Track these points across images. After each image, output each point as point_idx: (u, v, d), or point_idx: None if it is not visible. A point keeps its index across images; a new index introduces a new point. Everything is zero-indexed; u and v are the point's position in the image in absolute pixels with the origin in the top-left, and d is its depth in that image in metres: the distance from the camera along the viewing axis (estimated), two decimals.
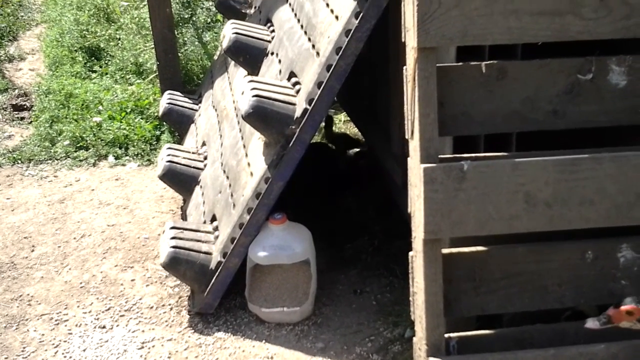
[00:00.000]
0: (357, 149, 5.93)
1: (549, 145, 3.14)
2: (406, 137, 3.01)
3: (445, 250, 3.06)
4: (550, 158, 2.94)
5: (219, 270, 3.96)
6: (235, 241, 3.94)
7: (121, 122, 6.44)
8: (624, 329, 2.74)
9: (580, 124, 3.12)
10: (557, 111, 3.07)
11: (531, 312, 3.40)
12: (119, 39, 7.88)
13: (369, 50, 4.74)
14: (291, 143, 3.85)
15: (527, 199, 2.91)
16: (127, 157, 6.06)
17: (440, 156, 2.92)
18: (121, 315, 4.05)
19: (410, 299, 3.17)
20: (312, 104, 3.81)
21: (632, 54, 3.06)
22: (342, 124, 6.49)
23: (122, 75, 7.32)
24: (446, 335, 3.09)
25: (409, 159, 3.03)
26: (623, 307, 2.70)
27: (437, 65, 2.86)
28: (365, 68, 4.81)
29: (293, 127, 3.84)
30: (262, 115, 3.87)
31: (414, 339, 3.15)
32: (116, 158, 6.06)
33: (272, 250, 3.88)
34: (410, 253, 3.12)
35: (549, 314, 3.41)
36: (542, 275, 3.18)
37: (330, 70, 3.76)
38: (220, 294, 3.98)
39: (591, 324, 2.75)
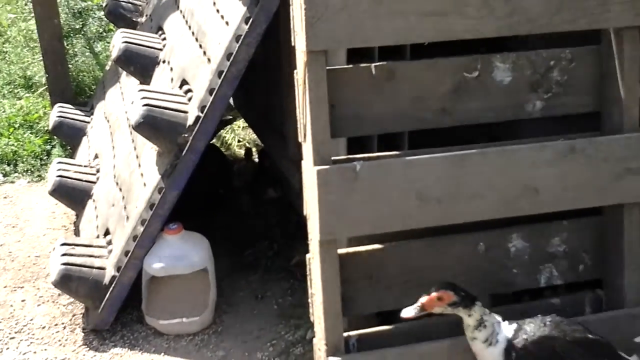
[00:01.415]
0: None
1: (451, 142, 3.17)
2: (299, 140, 2.96)
3: (341, 251, 3.02)
4: (439, 155, 2.96)
5: (113, 285, 3.79)
6: (130, 254, 3.78)
7: (9, 137, 6.11)
8: (437, 314, 2.82)
9: (468, 120, 3.15)
10: (446, 109, 3.09)
11: None
12: (6, 52, 7.53)
13: (263, 54, 4.69)
14: (184, 151, 3.74)
15: (419, 196, 2.92)
16: (16, 174, 5.75)
17: (333, 158, 2.89)
18: (11, 338, 3.81)
19: (309, 300, 3.13)
20: (205, 111, 3.72)
21: (516, 51, 3.12)
22: (242, 130, 6.40)
23: (10, 90, 6.97)
24: (345, 334, 3.06)
25: (302, 162, 2.98)
26: (433, 294, 2.77)
27: (327, 68, 2.83)
28: (260, 73, 4.75)
29: (186, 135, 3.74)
30: (152, 125, 3.75)
31: (314, 340, 3.10)
32: (4, 175, 5.74)
33: (168, 261, 3.74)
34: (307, 255, 3.07)
35: None
36: (437, 268, 3.19)
37: (222, 77, 3.69)
38: (115, 309, 3.81)
39: (406, 313, 2.79)
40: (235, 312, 3.99)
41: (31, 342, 3.77)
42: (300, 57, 2.81)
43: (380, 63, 2.98)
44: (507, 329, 2.82)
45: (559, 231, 3.29)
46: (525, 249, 3.27)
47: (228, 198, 5.08)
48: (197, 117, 3.74)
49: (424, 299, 2.79)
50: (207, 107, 3.73)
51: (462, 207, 2.97)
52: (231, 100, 5.90)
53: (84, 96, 6.75)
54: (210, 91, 3.73)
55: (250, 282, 4.23)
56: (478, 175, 2.96)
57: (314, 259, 2.98)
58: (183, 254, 3.78)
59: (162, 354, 3.66)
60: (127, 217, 3.93)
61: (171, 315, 3.77)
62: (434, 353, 3.05)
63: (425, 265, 3.17)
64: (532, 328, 2.82)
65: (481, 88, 3.08)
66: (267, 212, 4.97)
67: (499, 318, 2.85)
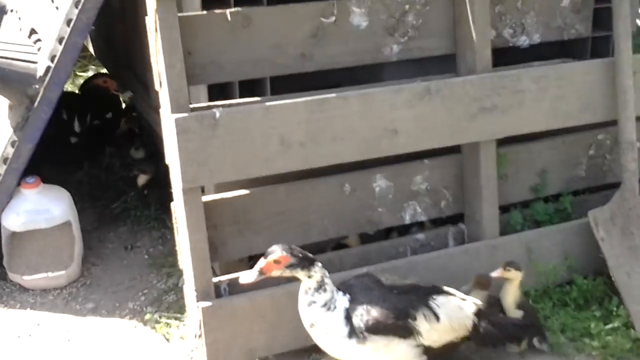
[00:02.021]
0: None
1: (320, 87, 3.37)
2: (156, 88, 3.09)
3: (206, 198, 3.23)
4: (300, 100, 3.18)
5: None
6: None
7: None
8: (276, 277, 2.95)
9: (328, 65, 3.39)
10: (305, 54, 3.32)
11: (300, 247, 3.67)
12: None
13: (120, 2, 4.71)
14: (36, 103, 3.80)
15: (281, 141, 3.15)
16: None
17: (191, 106, 3.05)
18: None
19: (177, 248, 3.31)
20: (55, 61, 3.78)
21: None
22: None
23: None
24: (216, 279, 3.30)
25: (160, 110, 3.12)
26: (270, 257, 2.87)
27: (181, 14, 2.96)
28: (118, 21, 4.77)
29: (36, 86, 3.79)
30: (1, 77, 3.78)
31: (184, 286, 3.32)
32: None
33: (27, 216, 3.84)
34: (172, 203, 3.24)
35: (316, 246, 3.71)
36: (305, 211, 3.47)
37: (71, 25, 3.73)
38: None
39: (245, 278, 2.89)
40: (104, 264, 4.13)
41: None
42: (151, 2, 2.92)
43: (236, 9, 3.14)
44: (342, 299, 2.93)
45: (421, 170, 3.62)
46: (389, 189, 3.58)
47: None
48: (48, 67, 3.79)
49: (261, 263, 2.89)
50: (57, 57, 3.78)
51: (325, 150, 3.23)
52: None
53: None
54: (60, 40, 3.78)
55: (119, 234, 4.35)
56: (339, 118, 3.21)
57: (178, 207, 3.16)
58: (43, 208, 3.88)
59: (28, 309, 3.79)
60: None
61: (35, 270, 3.89)
62: None
63: (293, 209, 3.43)
64: (364, 297, 2.92)
65: (339, 33, 3.32)
66: (137, 163, 5.04)
67: (333, 286, 2.94)
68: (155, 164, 4.47)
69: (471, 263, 3.56)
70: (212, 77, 3.17)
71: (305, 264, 2.88)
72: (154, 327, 3.58)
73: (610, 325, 3.35)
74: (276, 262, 2.87)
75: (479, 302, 3.13)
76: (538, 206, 3.83)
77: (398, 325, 2.88)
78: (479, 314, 3.08)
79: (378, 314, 2.86)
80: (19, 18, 4.28)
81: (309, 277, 2.89)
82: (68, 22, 3.73)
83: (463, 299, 3.10)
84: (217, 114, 3.00)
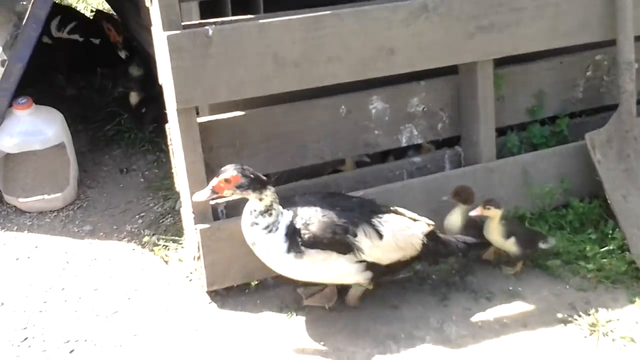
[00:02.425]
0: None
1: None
2: (147, 4, 3.00)
3: (201, 119, 3.18)
4: (294, 17, 3.10)
5: None
6: None
7: None
8: (229, 197, 2.96)
9: None
10: None
11: (297, 170, 3.65)
12: None
13: None
14: (24, 20, 3.70)
15: (275, 60, 3.08)
16: None
17: (184, 23, 2.97)
18: None
19: (173, 170, 3.28)
20: None
21: None
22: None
23: None
24: (213, 202, 3.25)
25: (152, 28, 3.04)
26: (221, 176, 2.84)
27: None
28: None
29: (24, 2, 3.69)
30: None
31: (181, 209, 3.30)
32: None
33: (21, 137, 3.80)
34: (167, 125, 3.19)
35: (313, 170, 3.69)
36: (301, 134, 3.43)
37: None
38: None
39: (198, 196, 2.87)
40: (100, 187, 4.12)
41: None
42: None
43: None
44: (286, 215, 2.92)
45: (417, 92, 3.57)
46: (386, 110, 3.53)
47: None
48: None
49: (214, 182, 2.86)
50: None
51: (320, 70, 3.16)
52: None
53: None
54: None
55: (114, 157, 4.32)
56: (334, 37, 3.13)
57: (173, 128, 3.12)
58: (36, 129, 3.83)
59: (26, 231, 3.79)
60: None
61: (31, 192, 3.87)
62: None
63: (289, 131, 3.39)
64: (305, 212, 2.91)
65: None
66: (131, 81, 4.97)
67: (282, 209, 2.94)
68: (150, 84, 4.39)
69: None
70: None
71: (257, 186, 2.85)
72: (152, 250, 3.57)
73: (605, 248, 3.35)
74: (227, 181, 2.84)
75: (432, 223, 3.11)
76: (534, 129, 3.79)
77: (336, 240, 2.87)
78: (430, 234, 3.07)
79: (315, 229, 2.86)
80: None
81: (260, 199, 2.87)
82: None
83: (413, 219, 3.08)
84: (210, 32, 2.92)
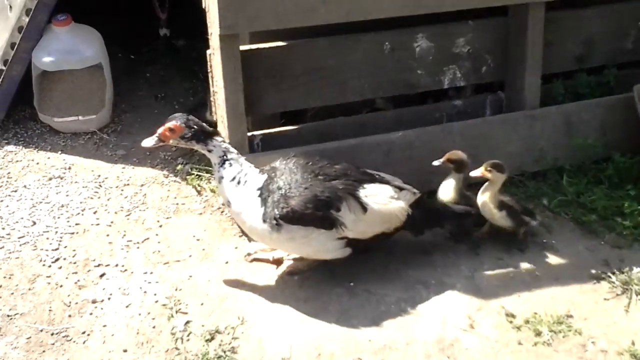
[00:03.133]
0: None
1: None
2: None
3: (243, 47, 3.06)
4: None
5: (1, 80, 3.75)
6: (16, 47, 3.71)
7: None
8: (174, 146, 2.86)
9: None
10: None
11: (333, 107, 3.55)
12: None
13: None
14: None
15: None
16: None
17: None
18: None
19: (211, 99, 3.19)
20: None
21: None
22: None
23: None
24: (250, 134, 3.18)
25: None
26: (166, 124, 2.74)
27: None
28: None
29: None
30: None
31: (217, 138, 3.19)
32: None
33: (58, 55, 3.69)
34: (208, 51, 3.10)
35: (350, 107, 3.59)
36: (342, 69, 3.31)
37: None
38: (6, 105, 3.80)
39: (145, 143, 2.77)
40: (134, 111, 4.03)
41: None
42: None
43: None
44: (257, 176, 2.75)
45: (464, 32, 3.42)
46: (430, 50, 3.40)
47: None
48: None
49: (159, 130, 2.75)
50: None
51: (368, 2, 3.02)
52: None
53: None
54: None
55: (149, 81, 4.23)
56: None
57: (214, 55, 3.02)
58: (74, 48, 3.72)
59: (60, 152, 3.72)
60: (10, 7, 3.81)
61: (66, 112, 3.78)
62: (339, 152, 3.19)
63: (330, 65, 3.28)
64: (285, 181, 2.72)
65: None
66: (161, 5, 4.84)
67: (249, 163, 2.79)
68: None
69: (509, 133, 3.42)
70: None
71: (201, 137, 2.73)
72: (185, 179, 3.49)
73: None
74: (171, 130, 2.74)
75: (417, 191, 2.90)
76: (581, 78, 3.65)
77: (317, 216, 2.66)
78: (415, 203, 2.87)
79: (295, 203, 2.65)
80: None
81: (209, 151, 2.75)
82: None
83: (400, 188, 2.86)
84: None
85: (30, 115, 3.91)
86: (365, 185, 2.76)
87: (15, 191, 3.42)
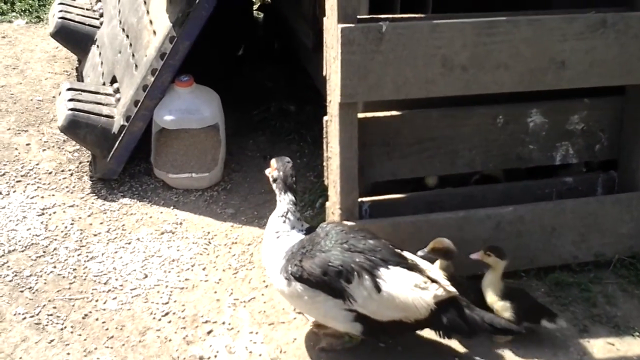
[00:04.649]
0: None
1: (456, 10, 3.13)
2: None
3: (360, 115, 3.08)
4: (468, 20, 2.96)
5: (122, 135, 3.86)
6: (140, 104, 3.83)
7: None
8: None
9: None
10: None
11: (441, 177, 3.53)
12: None
13: None
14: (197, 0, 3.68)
15: (444, 62, 2.95)
16: (14, 14, 5.73)
17: (358, 17, 2.88)
18: (17, 181, 3.92)
19: (324, 164, 3.21)
20: None
21: None
22: None
23: None
24: (359, 200, 3.17)
25: (325, 18, 2.98)
26: (272, 160, 2.94)
27: None
28: None
29: None
30: None
31: (327, 203, 3.22)
32: (1, 14, 5.70)
33: (179, 114, 3.80)
34: (325, 117, 3.13)
35: (459, 177, 3.56)
36: (453, 140, 3.28)
37: None
38: (124, 159, 3.90)
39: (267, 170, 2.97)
40: (243, 171, 4.08)
41: (38, 187, 3.89)
42: None
43: None
44: (295, 237, 2.80)
45: (579, 109, 3.36)
46: (544, 125, 3.35)
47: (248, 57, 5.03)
48: None
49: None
50: None
51: (487, 76, 3.01)
52: None
53: None
54: None
55: (258, 143, 4.29)
56: (506, 43, 2.98)
57: (332, 122, 3.04)
58: (194, 108, 3.83)
59: (172, 207, 3.79)
60: (136, 66, 3.94)
61: (180, 169, 3.87)
62: (447, 224, 3.17)
63: (442, 135, 3.26)
64: (312, 241, 2.75)
65: None
66: (273, 71, 4.96)
67: (300, 230, 2.83)
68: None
69: (622, 214, 3.31)
70: None
71: (281, 186, 2.87)
72: None
73: None
74: (271, 166, 2.94)
75: (452, 290, 2.73)
76: None
77: (324, 281, 2.64)
78: (447, 301, 2.71)
79: (306, 263, 2.67)
80: None
81: (279, 201, 2.87)
82: None
83: (428, 279, 2.71)
84: (384, 28, 2.82)
85: (145, 170, 4.01)
86: (389, 267, 2.68)
87: (129, 243, 3.50)
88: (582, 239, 3.32)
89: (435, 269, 2.83)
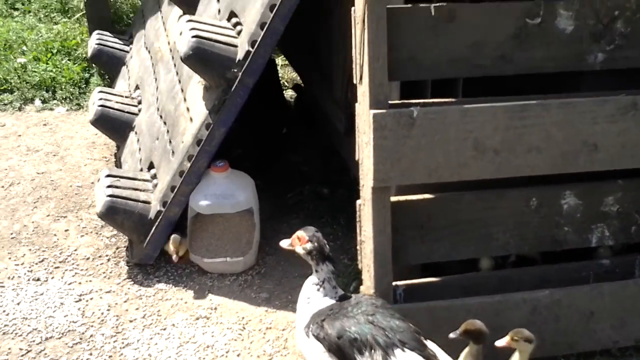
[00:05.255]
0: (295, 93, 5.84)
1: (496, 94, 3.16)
2: (354, 82, 2.99)
3: (393, 199, 3.09)
4: (499, 104, 2.98)
5: (158, 220, 3.91)
6: (176, 190, 3.88)
7: (47, 63, 6.22)
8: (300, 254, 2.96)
9: (528, 69, 3.15)
10: (505, 56, 3.10)
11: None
12: None
13: None
14: (233, 87, 3.76)
15: (475, 146, 2.97)
16: (55, 101, 5.88)
17: (389, 102, 2.92)
18: (56, 267, 3.96)
19: (357, 247, 3.21)
20: (255, 46, 3.72)
21: None
22: (280, 67, 6.42)
23: (46, 14, 7.07)
24: (393, 284, 3.15)
25: (357, 104, 3.03)
26: (298, 232, 2.94)
27: (387, 6, 2.83)
28: (307, 6, 4.73)
29: (235, 70, 3.75)
30: (202, 57, 3.76)
31: (362, 287, 3.20)
32: (43, 102, 5.87)
33: (214, 199, 3.84)
34: (358, 201, 3.14)
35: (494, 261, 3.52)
36: (487, 222, 3.27)
37: (274, 11, 3.65)
38: (160, 244, 3.94)
39: (282, 243, 3.01)
40: (277, 255, 4.07)
41: (76, 273, 3.92)
42: None
43: (440, 4, 2.97)
44: (325, 302, 2.86)
45: (614, 190, 3.33)
46: (578, 207, 3.32)
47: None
48: (248, 52, 3.74)
49: (294, 236, 2.97)
50: (257, 42, 3.70)
51: (519, 160, 3.01)
52: None
53: (121, 24, 6.83)
54: (261, 25, 3.69)
55: (292, 225, 4.28)
56: (537, 127, 2.99)
57: (365, 206, 3.05)
58: (229, 193, 3.87)
59: (206, 292, 3.79)
60: (173, 152, 4.01)
61: (215, 254, 3.89)
62: (483, 308, 3.13)
63: (476, 218, 3.24)
64: (341, 308, 2.80)
65: (542, 36, 3.07)
66: (308, 154, 5.01)
67: (334, 296, 2.89)
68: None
69: None
70: (411, 74, 3.02)
71: (317, 256, 2.88)
72: None
73: None
74: (299, 239, 2.92)
75: None
76: None
77: (337, 345, 2.69)
78: None
79: (326, 324, 2.75)
80: (218, 0, 4.27)
81: (316, 271, 2.87)
82: (271, 7, 3.63)
83: None
84: (415, 113, 2.86)
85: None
86: (405, 350, 2.66)
87: (164, 329, 3.49)
88: (621, 323, 3.25)
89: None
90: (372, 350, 2.65)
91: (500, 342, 2.93)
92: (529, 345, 2.91)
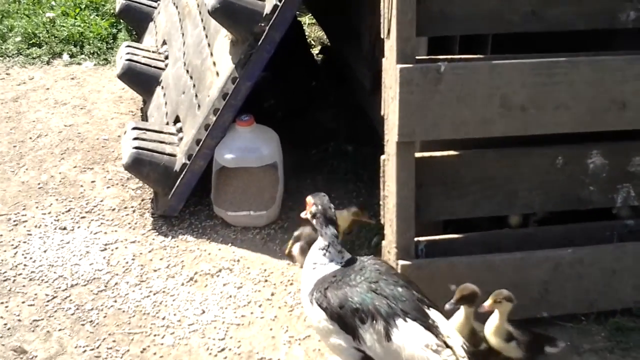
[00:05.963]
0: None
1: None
2: (382, 36, 2.94)
3: (417, 154, 3.06)
4: (527, 61, 2.92)
5: (183, 173, 3.91)
6: (201, 143, 3.87)
7: (75, 18, 6.22)
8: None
9: (557, 26, 3.08)
10: (536, 12, 3.02)
11: (499, 217, 3.47)
12: None
13: None
14: (260, 41, 3.73)
15: (502, 102, 2.92)
16: (83, 56, 5.88)
17: (416, 57, 2.87)
18: (82, 217, 4.00)
19: (381, 202, 3.19)
20: (282, 1, 3.66)
21: None
22: (307, 26, 6.36)
23: None
24: (415, 239, 3.13)
25: (383, 59, 2.98)
26: (307, 197, 2.94)
27: None
28: None
29: (262, 24, 3.71)
30: (230, 11, 3.73)
31: (383, 242, 3.19)
32: (71, 56, 5.87)
33: (239, 153, 3.83)
34: (382, 156, 3.11)
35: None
36: (512, 180, 3.23)
37: None
38: (185, 196, 3.94)
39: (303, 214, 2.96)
40: (300, 209, 4.01)
41: (101, 223, 3.95)
42: None
43: None
44: (331, 268, 2.80)
45: None
46: (604, 167, 3.27)
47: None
48: (275, 6, 3.70)
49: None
50: None
51: (547, 117, 2.96)
52: None
53: None
54: None
55: (315, 182, 4.28)
56: (566, 84, 2.93)
57: (389, 161, 3.03)
58: (254, 147, 3.86)
59: (230, 244, 3.80)
60: (199, 106, 4.00)
61: (239, 207, 3.89)
62: (505, 265, 3.11)
63: (500, 176, 3.20)
64: (346, 274, 2.75)
65: None
66: (335, 113, 4.98)
67: (340, 261, 2.82)
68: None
69: None
70: (440, 29, 2.96)
71: (322, 220, 2.84)
72: None
73: None
74: (307, 203, 2.91)
75: (464, 357, 2.59)
76: None
77: (339, 315, 2.64)
78: None
79: (329, 292, 2.69)
80: None
81: (321, 235, 2.83)
82: None
83: (444, 344, 2.57)
84: (442, 68, 2.81)
85: (205, 208, 4.03)
86: (407, 319, 2.60)
87: (188, 280, 3.52)
88: None
89: (456, 337, 2.66)
90: (374, 321, 2.62)
91: (483, 307, 2.89)
92: (509, 305, 2.89)
